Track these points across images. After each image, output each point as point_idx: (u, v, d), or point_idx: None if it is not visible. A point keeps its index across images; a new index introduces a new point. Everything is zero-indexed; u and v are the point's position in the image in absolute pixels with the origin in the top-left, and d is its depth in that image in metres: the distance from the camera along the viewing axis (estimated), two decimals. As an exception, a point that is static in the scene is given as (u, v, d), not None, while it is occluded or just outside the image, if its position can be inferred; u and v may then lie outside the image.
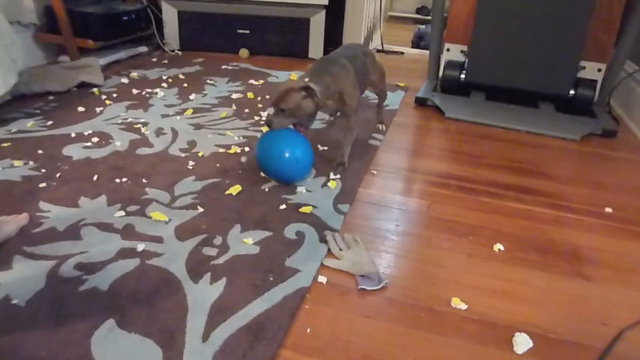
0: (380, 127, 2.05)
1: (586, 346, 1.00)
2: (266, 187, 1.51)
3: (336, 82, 1.54)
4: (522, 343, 0.98)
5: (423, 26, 3.98)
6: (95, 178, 1.50)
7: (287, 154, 1.46)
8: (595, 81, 2.32)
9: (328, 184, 1.55)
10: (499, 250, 1.29)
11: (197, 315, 1.00)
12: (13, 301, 1.00)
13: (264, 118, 1.64)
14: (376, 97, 2.03)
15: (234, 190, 1.47)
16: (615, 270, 1.25)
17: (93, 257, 1.15)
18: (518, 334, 1.00)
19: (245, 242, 1.24)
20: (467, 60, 2.43)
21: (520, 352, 0.97)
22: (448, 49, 2.56)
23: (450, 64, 2.47)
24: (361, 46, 1.85)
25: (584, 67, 2.35)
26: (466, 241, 1.33)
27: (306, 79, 1.48)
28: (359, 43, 1.92)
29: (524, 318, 1.06)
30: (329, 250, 1.23)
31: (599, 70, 2.35)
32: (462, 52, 2.52)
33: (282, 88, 1.47)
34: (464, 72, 2.42)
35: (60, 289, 1.05)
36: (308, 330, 0.99)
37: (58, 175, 1.50)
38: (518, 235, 1.37)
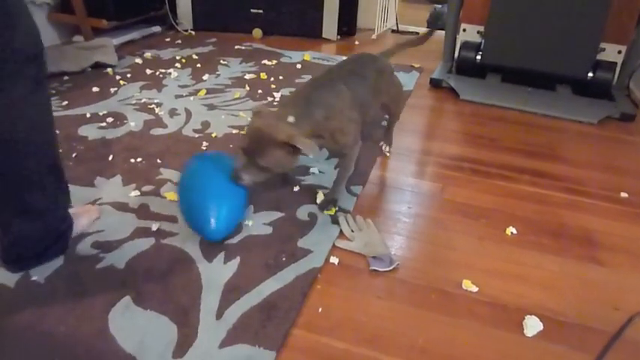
0: (384, 147, 1.68)
1: (596, 330, 1.00)
2: (279, 169, 1.51)
3: (328, 119, 1.20)
4: (533, 325, 0.99)
5: (440, 6, 3.91)
6: (110, 158, 1.52)
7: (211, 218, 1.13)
8: (614, 63, 2.27)
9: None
10: (511, 233, 1.29)
11: (211, 293, 1.02)
12: (33, 278, 1.03)
13: (235, 169, 1.16)
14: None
15: None
16: (629, 255, 1.24)
17: (109, 236, 1.17)
18: (528, 316, 1.01)
19: (247, 224, 1.25)
20: (483, 41, 2.39)
21: (530, 335, 0.98)
22: (464, 30, 2.52)
23: (466, 45, 2.43)
24: (376, 59, 1.47)
25: (603, 49, 2.30)
26: (478, 224, 1.32)
27: (290, 119, 1.14)
28: (374, 55, 1.50)
29: (536, 301, 1.06)
30: (341, 231, 1.24)
31: (619, 52, 2.30)
32: (478, 32, 2.47)
33: (260, 136, 1.11)
34: (480, 53, 2.39)
35: (77, 266, 1.07)
36: (319, 309, 1.00)
37: (74, 155, 1.52)
38: (532, 219, 1.36)
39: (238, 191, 1.18)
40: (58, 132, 1.63)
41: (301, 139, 1.09)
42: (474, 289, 1.08)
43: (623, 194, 1.52)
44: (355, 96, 1.28)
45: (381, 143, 1.69)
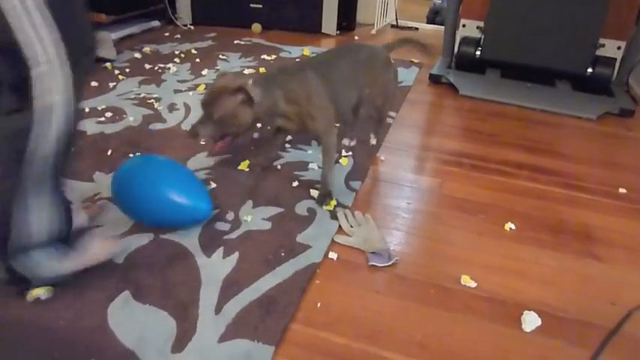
0: (371, 136, 1.67)
1: (594, 325, 1.01)
2: (278, 165, 1.51)
3: (289, 102, 1.24)
4: (531, 321, 0.99)
5: (439, 1, 3.90)
6: (109, 152, 1.52)
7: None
8: (614, 59, 2.27)
9: (340, 161, 1.55)
10: (510, 229, 1.29)
11: (210, 288, 1.02)
12: (32, 272, 1.03)
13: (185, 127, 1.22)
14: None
15: (244, 165, 1.48)
16: (627, 251, 1.25)
17: (108, 231, 1.17)
18: (527, 312, 1.01)
19: (246, 219, 1.25)
20: (483, 36, 2.38)
21: (528, 330, 0.98)
22: (464, 25, 2.51)
23: (465, 41, 2.43)
24: (370, 49, 1.44)
25: (603, 45, 2.30)
26: (477, 219, 1.33)
27: (249, 82, 1.18)
28: (366, 45, 1.49)
29: (534, 296, 1.07)
30: (340, 226, 1.24)
31: (619, 47, 2.30)
32: (478, 28, 2.47)
33: (216, 89, 1.18)
34: (479, 48, 2.38)
35: (77, 261, 1.07)
36: (318, 304, 1.01)
37: (72, 149, 1.52)
38: (531, 215, 1.36)
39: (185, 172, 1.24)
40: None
41: (251, 86, 1.15)
42: (473, 284, 1.09)
43: (622, 190, 1.52)
44: (326, 84, 1.29)
45: (370, 134, 1.69)
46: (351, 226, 1.24)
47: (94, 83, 2.04)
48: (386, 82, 1.50)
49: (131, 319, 0.94)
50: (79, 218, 1.16)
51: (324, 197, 1.33)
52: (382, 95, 1.51)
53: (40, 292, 0.96)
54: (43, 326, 0.91)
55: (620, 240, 1.29)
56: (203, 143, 1.20)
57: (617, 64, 2.31)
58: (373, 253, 1.15)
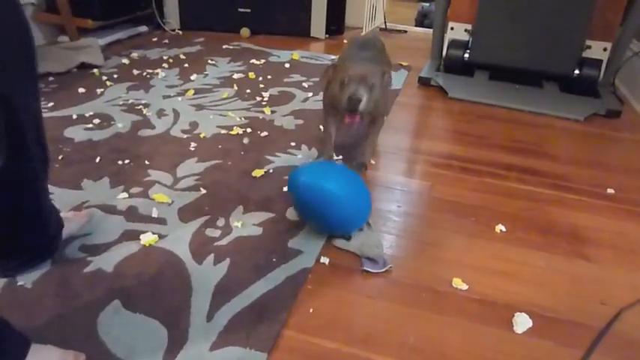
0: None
1: (585, 325, 1.01)
2: (270, 169, 1.51)
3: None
4: (522, 322, 0.99)
5: (427, 4, 3.92)
6: (97, 160, 1.50)
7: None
8: (600, 60, 2.30)
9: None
10: (500, 230, 1.30)
11: (201, 295, 1.01)
12: (19, 283, 1.01)
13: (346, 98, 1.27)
14: None
15: (258, 173, 1.48)
16: (615, 250, 1.26)
17: (97, 239, 1.16)
18: (518, 313, 1.02)
19: (236, 225, 1.24)
20: (471, 39, 2.40)
21: (520, 332, 0.98)
22: (452, 28, 2.53)
23: (453, 44, 2.44)
24: (376, 37, 1.70)
25: (589, 47, 2.32)
26: (468, 221, 1.33)
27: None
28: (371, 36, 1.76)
29: (525, 298, 1.07)
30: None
31: (605, 49, 2.33)
32: (466, 30, 2.48)
33: (370, 67, 1.35)
34: (468, 51, 2.40)
35: (65, 270, 1.06)
36: (310, 310, 1.00)
37: (60, 157, 1.51)
38: (520, 216, 1.37)
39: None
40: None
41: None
42: (464, 287, 1.09)
43: (610, 190, 1.53)
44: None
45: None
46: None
47: (81, 90, 2.02)
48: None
49: (121, 328, 0.93)
50: (70, 227, 1.15)
51: (361, 166, 1.50)
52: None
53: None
54: (31, 337, 0.89)
55: (608, 240, 1.30)
56: (347, 121, 1.31)
57: (604, 66, 2.34)
58: (368, 258, 1.15)
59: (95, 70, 2.25)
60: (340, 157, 1.59)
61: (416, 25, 3.69)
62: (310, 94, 2.14)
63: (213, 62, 2.49)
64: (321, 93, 1.68)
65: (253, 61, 2.54)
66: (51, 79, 2.12)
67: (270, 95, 2.10)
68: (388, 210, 1.36)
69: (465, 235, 1.27)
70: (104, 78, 2.18)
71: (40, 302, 0.97)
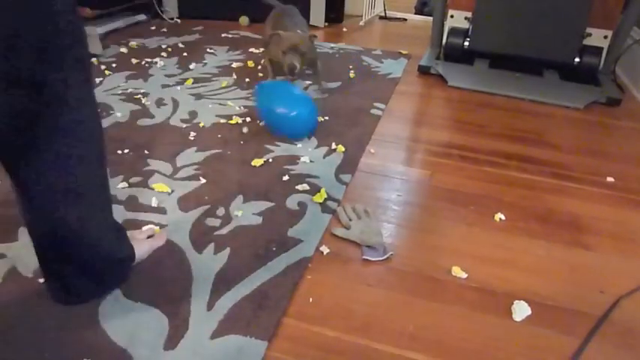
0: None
1: (583, 313, 1.02)
2: (269, 158, 1.51)
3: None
4: (521, 310, 1.00)
5: (427, -8, 3.89)
6: (97, 149, 1.50)
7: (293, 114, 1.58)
8: (601, 48, 2.28)
9: (336, 150, 1.57)
10: (500, 219, 1.30)
11: (202, 284, 1.01)
12: (21, 272, 1.02)
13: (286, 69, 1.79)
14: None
15: (258, 162, 1.47)
16: (615, 239, 1.26)
17: (97, 228, 1.16)
18: (517, 301, 1.02)
19: (236, 215, 1.24)
20: (471, 27, 2.38)
21: (518, 320, 0.99)
22: (452, 16, 2.51)
23: (453, 32, 2.42)
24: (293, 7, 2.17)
25: (590, 34, 2.31)
26: (467, 210, 1.33)
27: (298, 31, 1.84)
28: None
29: (523, 286, 1.08)
30: (331, 220, 1.24)
31: (606, 37, 2.31)
32: (466, 18, 2.46)
33: (295, 37, 1.79)
34: (468, 39, 2.38)
35: (66, 259, 1.06)
36: (310, 299, 1.01)
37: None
38: (520, 205, 1.37)
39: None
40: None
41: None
42: (463, 275, 1.10)
43: (610, 179, 1.53)
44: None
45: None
46: (350, 219, 1.24)
47: (80, 79, 2.01)
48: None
49: (122, 317, 0.93)
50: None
51: (292, 69, 1.81)
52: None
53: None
54: (32, 326, 0.90)
55: (608, 228, 1.30)
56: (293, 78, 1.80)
57: (604, 53, 2.32)
58: (368, 247, 1.15)
59: (94, 59, 2.24)
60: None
61: (416, 13, 3.66)
62: (309, 82, 2.13)
63: (212, 51, 2.47)
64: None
65: (252, 49, 2.53)
66: (49, 68, 2.11)
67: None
68: (388, 199, 1.36)
69: (465, 224, 1.28)
70: (103, 67, 2.17)
71: (41, 291, 0.97)
